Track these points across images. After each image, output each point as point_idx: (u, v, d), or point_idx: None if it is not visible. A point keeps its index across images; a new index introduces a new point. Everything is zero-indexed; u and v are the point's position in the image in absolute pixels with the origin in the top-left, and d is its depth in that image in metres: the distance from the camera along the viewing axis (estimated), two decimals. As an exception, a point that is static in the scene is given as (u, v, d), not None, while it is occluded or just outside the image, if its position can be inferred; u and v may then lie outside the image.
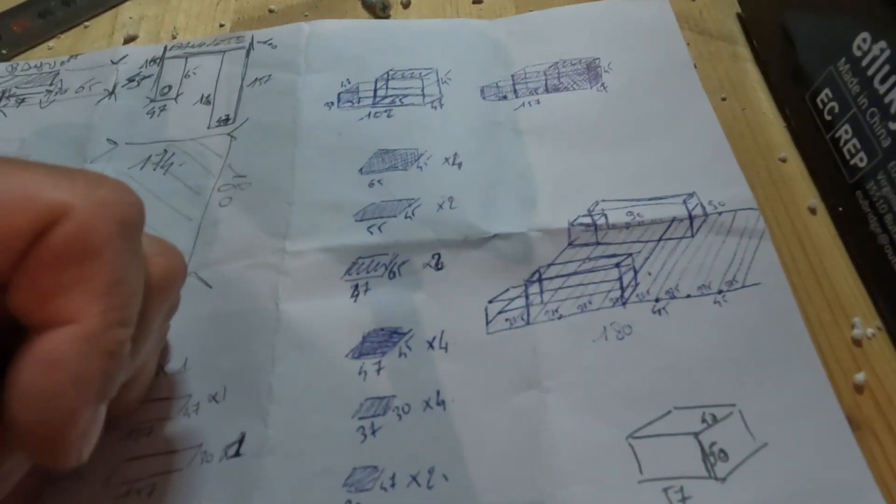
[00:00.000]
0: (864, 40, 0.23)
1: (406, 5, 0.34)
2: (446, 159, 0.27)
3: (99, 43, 0.34)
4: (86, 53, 0.31)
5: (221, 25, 0.34)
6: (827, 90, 0.26)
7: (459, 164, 0.27)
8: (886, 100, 0.23)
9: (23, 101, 0.29)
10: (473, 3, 0.34)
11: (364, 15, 0.34)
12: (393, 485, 0.20)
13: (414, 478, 0.20)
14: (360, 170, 0.26)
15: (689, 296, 0.23)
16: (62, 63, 0.31)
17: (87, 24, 0.34)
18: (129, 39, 0.34)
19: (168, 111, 0.29)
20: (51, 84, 0.30)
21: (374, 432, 0.20)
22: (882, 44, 0.23)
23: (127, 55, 0.31)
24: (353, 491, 0.20)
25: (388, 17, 0.33)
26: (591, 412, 0.21)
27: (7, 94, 0.29)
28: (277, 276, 0.23)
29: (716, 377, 0.22)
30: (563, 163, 0.27)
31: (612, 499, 0.20)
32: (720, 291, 0.23)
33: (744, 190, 0.26)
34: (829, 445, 0.20)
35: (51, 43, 0.34)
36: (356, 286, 0.23)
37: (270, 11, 0.35)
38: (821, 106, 0.26)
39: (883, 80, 0.23)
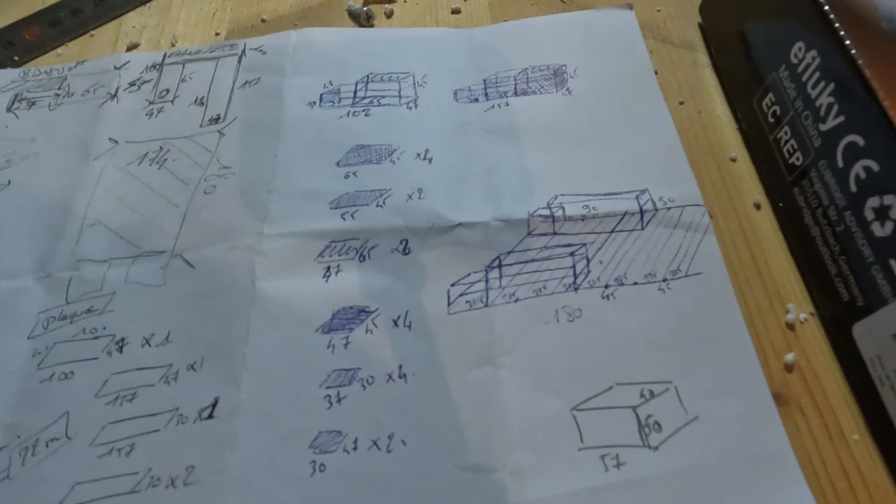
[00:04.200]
0: (800, 48, 0.25)
1: (389, 15, 0.37)
2: (418, 154, 0.29)
3: (104, 50, 0.36)
4: (91, 60, 0.34)
5: (217, 34, 0.37)
6: (771, 94, 0.28)
7: (430, 160, 0.29)
8: (817, 103, 0.24)
9: (33, 103, 0.32)
10: (452, 13, 0.37)
11: (350, 24, 0.36)
12: (355, 448, 0.22)
13: (375, 442, 0.22)
14: (338, 163, 0.29)
15: (635, 283, 0.25)
16: (69, 69, 0.33)
17: (93, 32, 0.37)
18: (132, 47, 0.36)
19: (165, 112, 0.31)
20: (59, 88, 0.32)
21: (339, 400, 0.23)
22: (813, 52, 0.24)
23: (129, 61, 0.33)
24: (318, 452, 0.22)
25: (371, 25, 0.36)
26: (540, 386, 0.23)
27: (19, 98, 0.32)
28: (255, 256, 0.26)
29: (656, 357, 0.24)
30: (527, 160, 0.29)
31: (555, 463, 0.22)
32: (664, 280, 0.25)
33: (692, 187, 0.28)
34: (754, 419, 0.22)
35: (59, 50, 0.37)
36: (328, 268, 0.25)
37: (263, 21, 0.37)
38: (766, 109, 0.28)
39: (814, 86, 0.25)
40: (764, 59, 0.28)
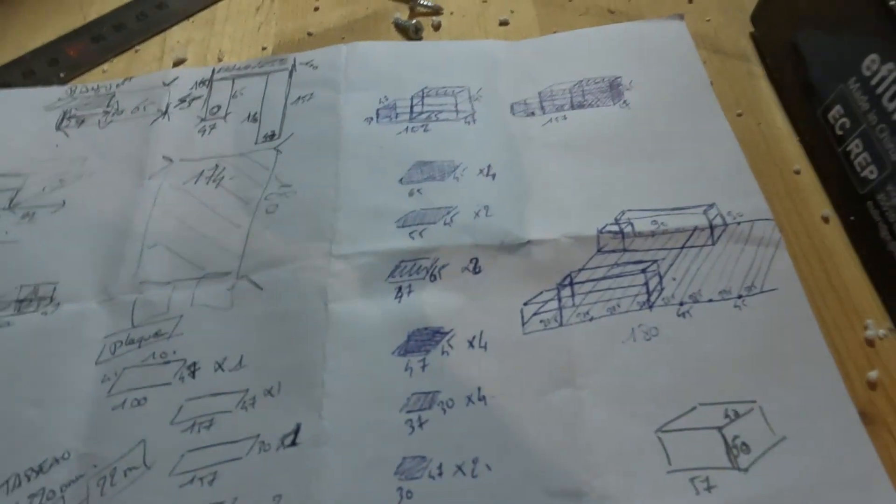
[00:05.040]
0: (874, 61, 0.25)
1: (437, 27, 0.36)
2: (481, 171, 0.29)
3: (150, 66, 0.36)
4: (139, 76, 0.33)
5: (264, 48, 0.36)
6: (838, 106, 0.27)
7: (493, 175, 0.28)
8: (895, 117, 0.24)
9: (83, 122, 0.31)
10: (500, 24, 0.36)
11: (397, 37, 0.36)
12: (440, 473, 0.21)
13: (459, 467, 0.21)
14: (401, 180, 0.28)
15: (710, 300, 0.25)
16: (118, 85, 0.33)
17: (137, 48, 0.37)
18: (178, 62, 0.36)
19: (218, 129, 0.31)
20: (108, 105, 0.32)
21: (421, 425, 0.22)
22: (890, 65, 0.24)
23: (178, 77, 0.33)
24: (404, 479, 0.21)
25: (420, 38, 0.36)
26: (623, 408, 0.23)
27: (68, 116, 0.32)
28: (325, 278, 0.25)
29: (737, 376, 0.23)
30: (589, 174, 0.29)
31: (644, 488, 0.21)
32: (740, 296, 0.25)
33: (760, 201, 0.27)
34: (843, 439, 0.22)
35: (105, 66, 0.36)
36: (400, 288, 0.25)
37: (309, 34, 0.37)
38: (832, 121, 0.28)
39: (891, 99, 0.24)
40: (828, 70, 0.28)
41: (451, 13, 0.37)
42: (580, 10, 0.37)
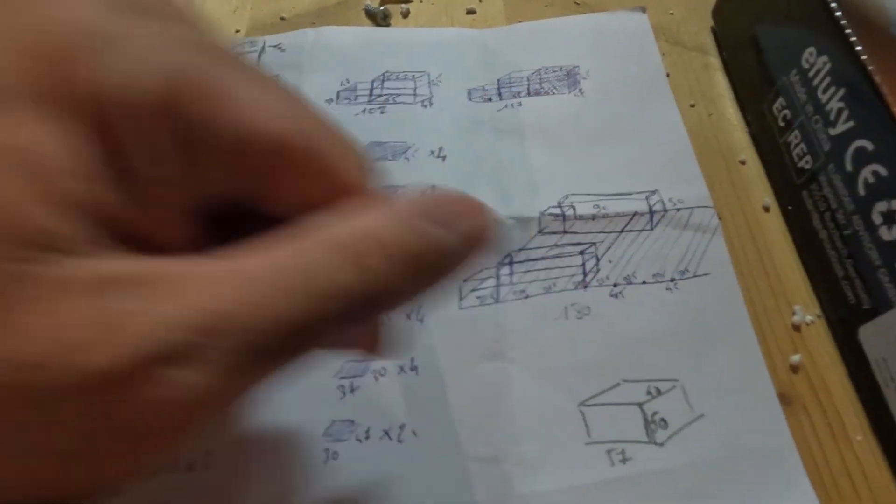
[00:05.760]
0: (811, 53, 0.26)
1: (405, 15, 0.37)
2: (432, 152, 0.29)
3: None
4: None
5: (237, 31, 0.37)
6: (781, 98, 0.28)
7: (444, 157, 0.29)
8: (827, 108, 0.25)
9: None
10: (467, 13, 0.37)
11: (367, 23, 0.37)
12: (367, 437, 0.22)
13: (386, 432, 0.22)
14: (353, 161, 0.29)
15: (644, 282, 0.26)
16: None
17: (115, 26, 0.38)
18: (153, 40, 0.37)
19: (184, 105, 0.32)
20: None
21: (352, 391, 0.23)
22: (825, 57, 0.25)
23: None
24: (332, 440, 0.22)
25: (388, 25, 0.36)
26: (549, 381, 0.24)
27: None
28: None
29: (662, 355, 0.24)
30: (538, 159, 0.29)
31: (562, 456, 0.22)
32: (672, 279, 0.26)
33: (702, 189, 0.28)
34: (759, 416, 0.22)
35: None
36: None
37: (282, 19, 0.38)
38: (776, 113, 0.28)
39: (825, 91, 0.25)
40: (775, 63, 0.29)
41: (421, 1, 0.38)
42: (546, 2, 0.37)
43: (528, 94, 0.32)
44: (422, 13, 0.38)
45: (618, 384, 0.23)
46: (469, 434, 0.23)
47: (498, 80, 0.33)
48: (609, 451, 0.22)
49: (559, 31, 0.35)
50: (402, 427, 0.23)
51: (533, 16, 0.37)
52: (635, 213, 0.27)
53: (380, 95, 0.32)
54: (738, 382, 0.23)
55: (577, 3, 0.38)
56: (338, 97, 0.31)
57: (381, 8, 0.37)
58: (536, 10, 0.37)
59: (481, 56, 0.34)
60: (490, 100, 0.32)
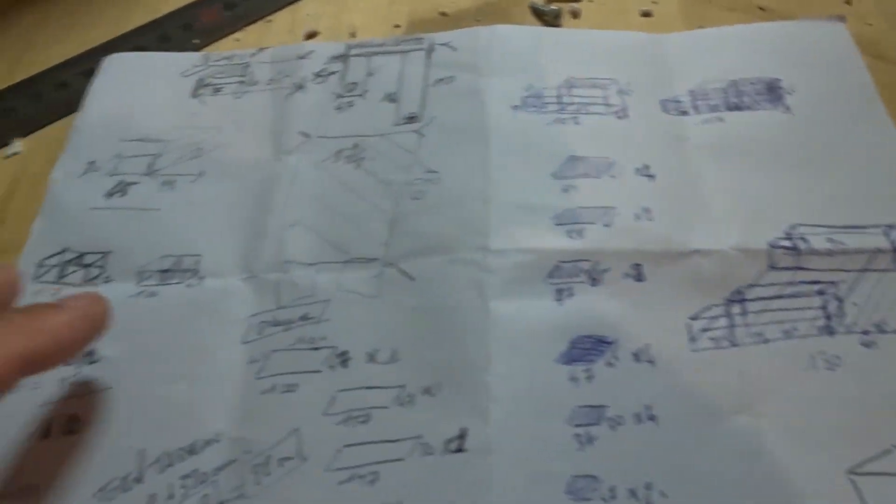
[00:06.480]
0: None
1: (576, 15, 0.34)
2: (637, 170, 0.27)
3: (281, 37, 0.35)
4: (274, 47, 0.32)
5: (396, 26, 0.35)
6: None
7: (651, 176, 0.27)
8: None
9: (218, 90, 0.30)
10: (642, 16, 0.34)
11: (533, 22, 0.34)
12: (613, 497, 0.20)
13: (633, 492, 0.20)
14: (553, 174, 0.27)
15: (898, 331, 0.23)
16: (252, 55, 0.32)
17: (269, 18, 0.36)
18: (310, 35, 0.35)
19: (355, 107, 0.30)
20: (242, 75, 0.31)
21: (590, 441, 0.21)
22: None
23: (313, 51, 0.32)
24: (575, 499, 0.20)
25: (559, 25, 0.34)
26: (807, 442, 0.21)
27: (203, 84, 0.31)
28: (481, 273, 0.24)
29: (934, 416, 0.21)
30: (752, 182, 0.27)
31: (833, 531, 0.20)
32: (932, 329, 0.23)
33: (948, 224, 0.25)
34: None
35: (237, 35, 0.35)
36: (559, 290, 0.24)
37: (442, 14, 0.35)
38: None
39: None
40: None
41: (591, 1, 0.35)
42: (727, 6, 0.35)
43: (727, 108, 0.29)
44: (592, 13, 0.35)
45: (889, 450, 0.21)
46: (723, 498, 0.20)
47: (691, 92, 0.30)
48: (889, 529, 0.20)
49: (751, 39, 0.32)
50: (648, 486, 0.20)
51: (714, 21, 0.34)
52: (876, 250, 0.24)
53: (570, 104, 0.29)
54: None
55: (762, 9, 0.35)
56: (524, 104, 0.29)
57: (553, 7, 0.34)
58: (717, 16, 0.34)
59: (668, 64, 0.31)
60: (685, 113, 0.29)
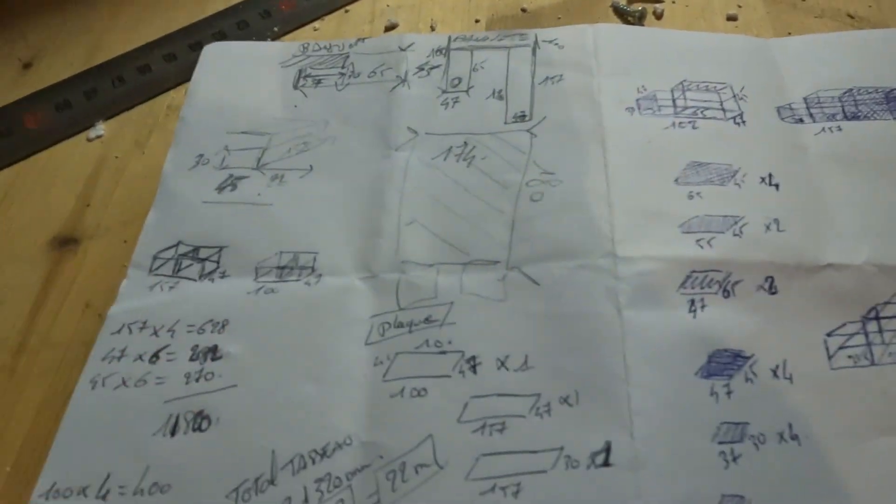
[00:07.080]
0: None
1: (659, 16, 0.34)
2: (762, 179, 0.26)
3: (360, 28, 0.34)
4: (373, 38, 0.32)
5: (477, 21, 0.34)
6: None
7: (776, 186, 0.26)
8: None
9: (319, 82, 0.30)
10: (728, 19, 0.33)
11: (614, 20, 0.34)
12: (762, 516, 0.19)
13: (781, 514, 0.19)
14: (676, 180, 0.26)
15: None
16: (351, 46, 0.31)
17: (347, 8, 0.35)
18: (390, 27, 0.34)
19: (461, 103, 0.29)
20: (343, 66, 0.30)
21: (734, 459, 0.20)
22: None
23: (414, 43, 0.31)
24: (725, 519, 0.19)
25: (642, 25, 0.33)
26: (956, 466, 0.20)
27: (304, 74, 0.30)
28: (612, 280, 0.23)
29: None
30: (879, 195, 0.26)
31: None
32: None
33: None
34: None
35: (316, 24, 0.35)
36: (692, 301, 0.23)
37: (523, 10, 0.35)
38: None
39: None
40: None
41: (674, 2, 0.34)
42: (815, 12, 0.34)
43: (845, 117, 0.28)
44: (676, 15, 0.34)
45: None
46: (872, 523, 0.19)
47: (805, 99, 0.29)
48: None
49: (865, 46, 0.31)
50: (795, 508, 0.19)
51: (802, 26, 0.33)
52: None
53: (686, 108, 0.28)
54: None
55: (851, 17, 0.34)
56: (639, 106, 0.28)
57: (639, 8, 0.33)
58: (804, 21, 0.33)
59: (775, 69, 0.30)
60: (801, 121, 0.28)
